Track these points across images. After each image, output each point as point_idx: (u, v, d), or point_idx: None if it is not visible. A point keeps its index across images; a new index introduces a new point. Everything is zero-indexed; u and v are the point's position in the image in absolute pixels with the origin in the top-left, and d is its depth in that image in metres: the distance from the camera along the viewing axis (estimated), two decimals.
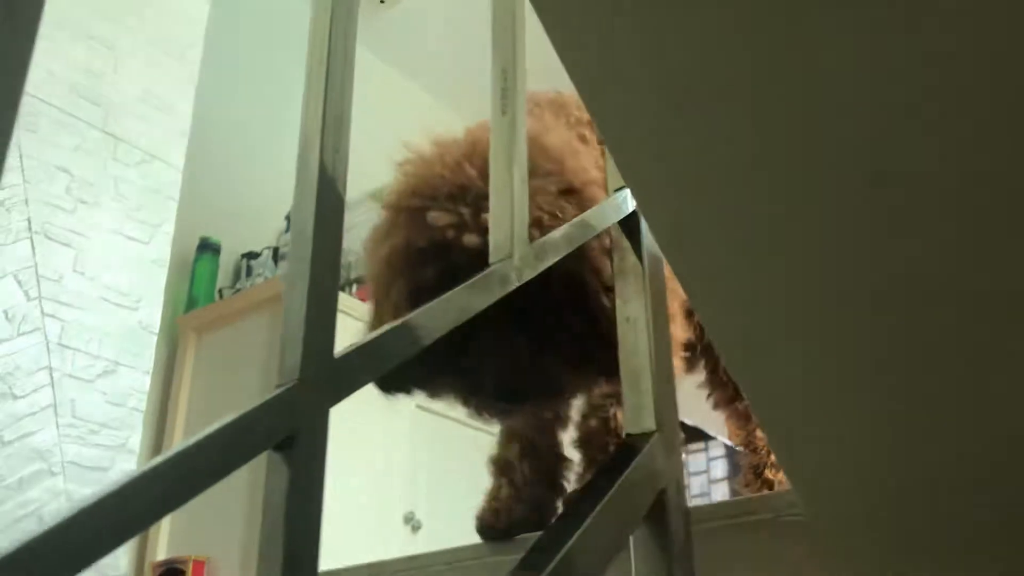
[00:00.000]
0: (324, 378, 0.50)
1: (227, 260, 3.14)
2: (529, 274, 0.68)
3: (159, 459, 0.43)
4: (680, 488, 0.78)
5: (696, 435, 3.07)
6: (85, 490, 1.55)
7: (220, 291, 3.11)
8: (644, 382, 0.78)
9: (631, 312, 0.82)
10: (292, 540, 0.45)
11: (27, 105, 1.61)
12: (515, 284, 0.66)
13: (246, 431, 0.47)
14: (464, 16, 3.32)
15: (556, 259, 0.71)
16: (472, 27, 3.42)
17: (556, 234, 0.73)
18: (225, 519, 2.51)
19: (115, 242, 1.71)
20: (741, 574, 0.85)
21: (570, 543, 0.63)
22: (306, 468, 0.48)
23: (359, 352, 0.54)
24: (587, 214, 0.81)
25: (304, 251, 0.52)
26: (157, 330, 1.78)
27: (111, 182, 1.73)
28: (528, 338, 0.84)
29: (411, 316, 0.58)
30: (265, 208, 3.19)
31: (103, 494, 0.40)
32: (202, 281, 3.09)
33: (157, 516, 0.42)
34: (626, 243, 0.85)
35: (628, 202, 0.85)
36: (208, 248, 3.08)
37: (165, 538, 2.85)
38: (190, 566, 2.50)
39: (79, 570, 0.38)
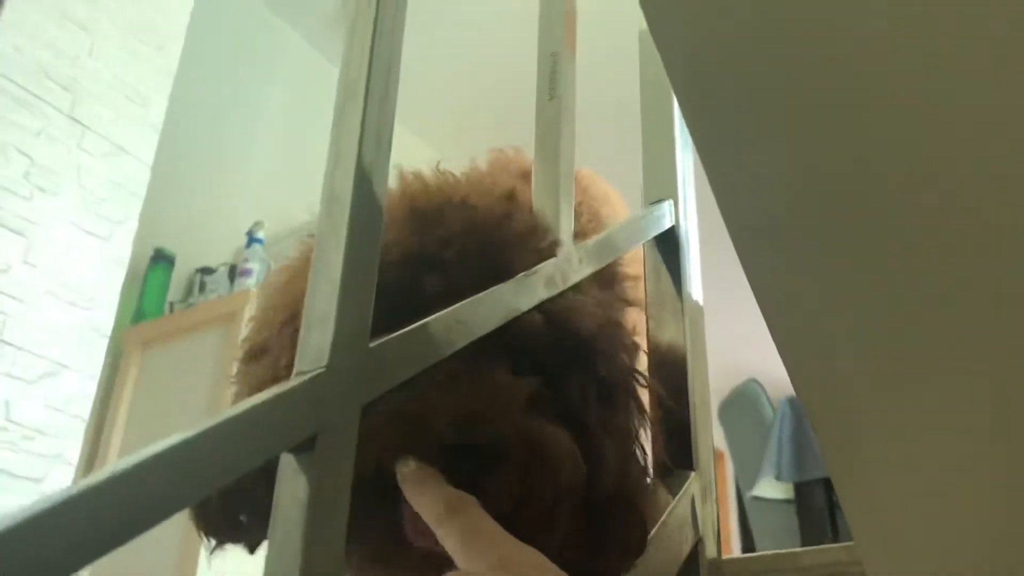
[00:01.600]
0: (357, 368, 0.41)
1: (180, 274, 3.01)
2: (575, 277, 0.59)
3: (142, 455, 0.33)
4: (716, 538, 0.69)
5: None
6: (12, 501, 1.40)
7: (171, 305, 2.97)
8: (679, 410, 0.70)
9: (666, 338, 0.74)
10: (311, 567, 0.35)
11: None
12: (559, 287, 0.57)
13: (257, 427, 0.37)
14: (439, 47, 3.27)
15: (604, 263, 0.62)
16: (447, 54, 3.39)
17: (603, 239, 0.65)
18: (155, 547, 2.35)
19: (72, 235, 1.58)
20: None
21: None
22: (330, 476, 0.38)
23: (399, 342, 0.44)
24: (623, 225, 0.73)
25: (339, 216, 0.43)
26: (109, 333, 1.65)
27: (74, 171, 1.60)
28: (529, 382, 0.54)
29: (455, 308, 0.49)
30: (225, 223, 3.08)
31: (63, 498, 0.30)
32: (152, 293, 2.95)
33: (133, 532, 0.32)
34: (661, 262, 0.77)
35: (667, 216, 0.77)
36: (162, 259, 2.95)
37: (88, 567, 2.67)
38: None
39: None
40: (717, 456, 4.98)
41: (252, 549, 0.58)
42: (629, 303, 0.70)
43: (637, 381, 0.61)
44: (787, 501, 2.80)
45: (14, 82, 1.53)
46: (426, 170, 0.63)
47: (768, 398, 3.00)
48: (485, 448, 0.48)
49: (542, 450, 0.50)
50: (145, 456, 0.32)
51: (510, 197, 0.60)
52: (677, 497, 0.64)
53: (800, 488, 2.69)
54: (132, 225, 1.70)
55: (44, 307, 1.50)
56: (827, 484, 2.64)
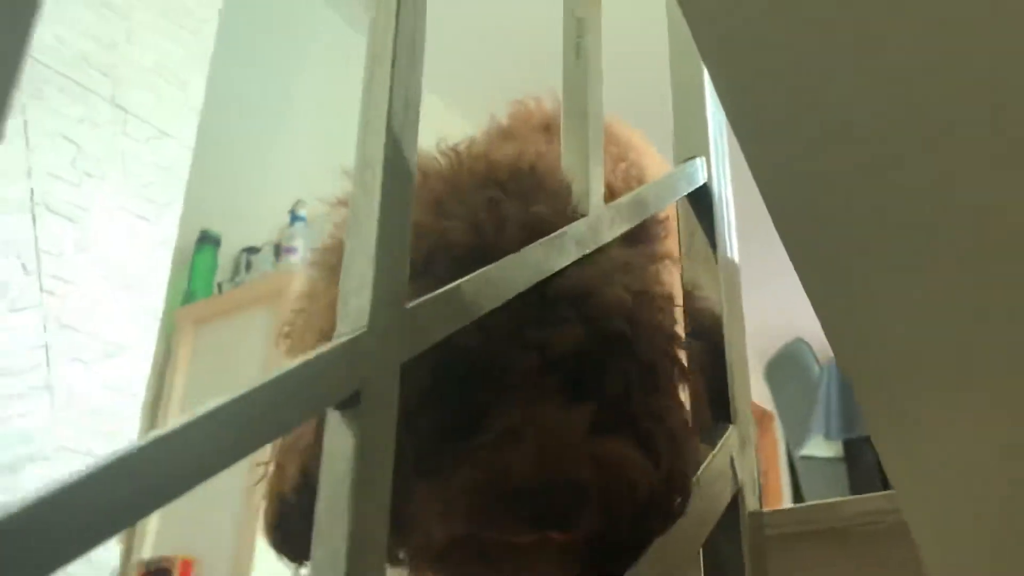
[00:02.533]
0: (396, 327, 0.42)
1: (226, 254, 3.07)
2: (606, 237, 0.60)
3: (201, 411, 0.35)
4: (755, 488, 0.70)
5: None
6: None
7: (219, 285, 3.04)
8: (717, 366, 0.71)
9: (701, 295, 0.75)
10: (358, 516, 0.37)
11: (33, 71, 1.53)
12: (590, 247, 0.58)
13: (304, 384, 0.39)
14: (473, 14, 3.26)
15: (636, 222, 0.63)
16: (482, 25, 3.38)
17: (632, 197, 0.65)
18: (215, 517, 2.43)
19: (121, 219, 1.62)
20: None
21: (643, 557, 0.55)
22: (375, 430, 0.40)
23: (434, 302, 0.46)
24: (654, 183, 0.74)
25: (372, 182, 0.44)
26: (161, 313, 1.70)
27: (119, 157, 1.64)
28: (585, 408, 0.54)
29: (486, 270, 0.50)
30: (267, 202, 3.13)
31: (128, 451, 0.32)
32: (200, 274, 3.02)
33: (192, 482, 0.34)
34: (695, 220, 0.78)
35: (699, 173, 0.78)
36: (208, 241, 3.01)
37: (152, 537, 2.76)
38: (177, 566, 2.41)
39: (96, 542, 0.30)
40: (767, 417, 4.97)
41: None
42: (660, 257, 0.70)
43: (676, 350, 0.61)
44: (837, 459, 2.79)
45: (58, 72, 1.57)
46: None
47: (816, 356, 2.98)
48: (566, 496, 0.50)
49: (617, 474, 0.52)
50: (204, 412, 0.34)
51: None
52: (715, 450, 0.66)
53: (849, 445, 2.69)
54: (177, 207, 1.75)
55: (98, 290, 1.55)
56: None
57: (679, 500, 0.57)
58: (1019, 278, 0.48)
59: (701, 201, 0.78)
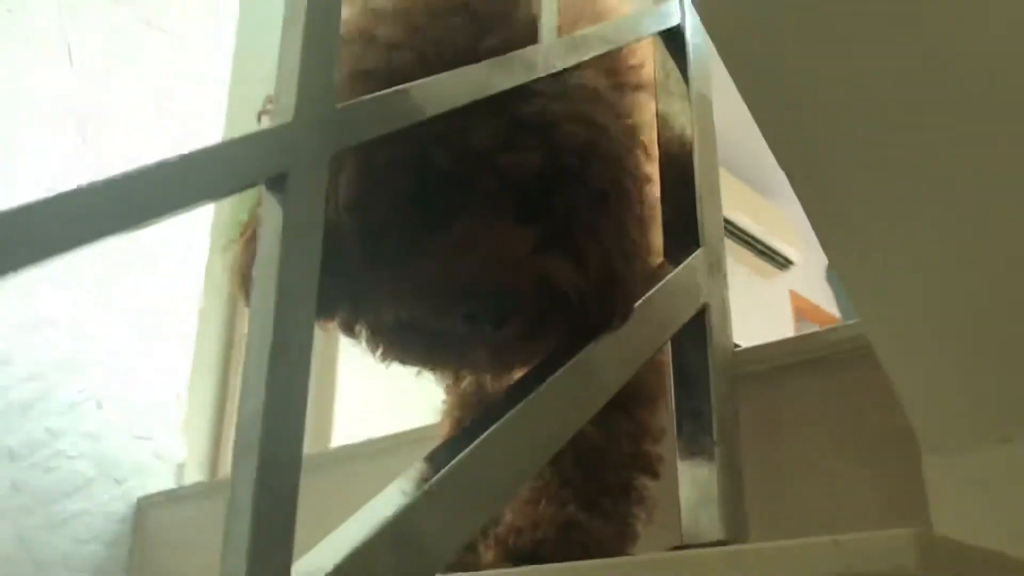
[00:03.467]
0: (325, 122, 0.47)
1: None
2: (559, 64, 0.63)
3: (145, 166, 0.41)
4: (724, 314, 0.72)
5: None
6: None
7: None
8: (687, 194, 0.73)
9: (673, 124, 0.77)
10: (286, 273, 0.42)
11: None
12: (540, 72, 0.61)
13: (235, 160, 0.44)
14: None
15: (590, 56, 0.65)
16: None
17: (591, 30, 0.68)
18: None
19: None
20: (790, 416, 0.80)
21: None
22: (300, 209, 0.44)
23: (366, 104, 0.50)
24: (621, 19, 0.75)
25: None
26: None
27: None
28: (531, 229, 0.60)
29: (424, 80, 0.54)
30: None
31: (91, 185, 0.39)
32: None
33: (128, 226, 0.40)
34: (667, 54, 0.80)
35: (673, 13, 0.79)
36: None
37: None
38: None
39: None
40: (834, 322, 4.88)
41: None
42: (634, 87, 0.72)
43: (630, 181, 0.65)
44: None
45: None
46: None
47: None
48: (501, 300, 0.57)
49: (548, 286, 0.59)
50: (150, 165, 0.40)
51: None
52: (678, 268, 0.69)
53: None
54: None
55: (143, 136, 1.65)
56: None
57: (618, 310, 0.62)
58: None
59: (675, 41, 0.79)
